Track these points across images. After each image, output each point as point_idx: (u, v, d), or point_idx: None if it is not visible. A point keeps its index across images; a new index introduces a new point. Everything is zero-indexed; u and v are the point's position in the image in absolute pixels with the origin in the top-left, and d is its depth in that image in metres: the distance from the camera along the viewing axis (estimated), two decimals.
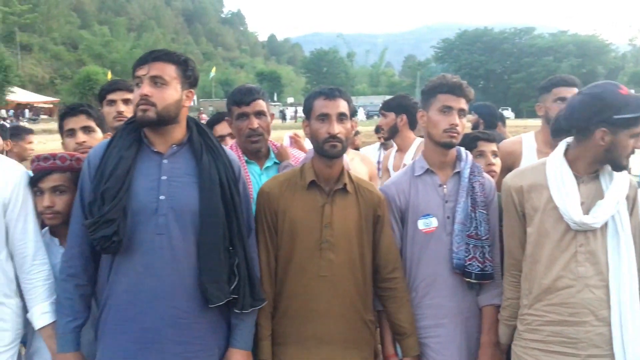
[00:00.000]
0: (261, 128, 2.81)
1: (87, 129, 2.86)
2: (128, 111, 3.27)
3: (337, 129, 2.43)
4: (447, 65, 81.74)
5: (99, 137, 2.88)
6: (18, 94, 51.32)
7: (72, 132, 2.85)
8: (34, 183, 2.50)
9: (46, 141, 28.80)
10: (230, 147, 2.86)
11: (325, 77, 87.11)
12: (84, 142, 2.82)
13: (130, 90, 3.26)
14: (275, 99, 77.05)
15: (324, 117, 2.44)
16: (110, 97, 3.29)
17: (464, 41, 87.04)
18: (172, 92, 2.25)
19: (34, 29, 77.67)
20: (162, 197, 2.21)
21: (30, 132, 5.57)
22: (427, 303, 2.67)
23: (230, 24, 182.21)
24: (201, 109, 54.54)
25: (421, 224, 2.68)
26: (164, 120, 2.25)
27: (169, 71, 2.25)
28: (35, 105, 57.93)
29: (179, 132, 2.33)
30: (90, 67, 65.12)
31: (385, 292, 2.61)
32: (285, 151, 2.97)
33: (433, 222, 2.67)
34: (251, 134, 2.79)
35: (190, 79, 2.33)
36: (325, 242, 2.46)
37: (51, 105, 60.16)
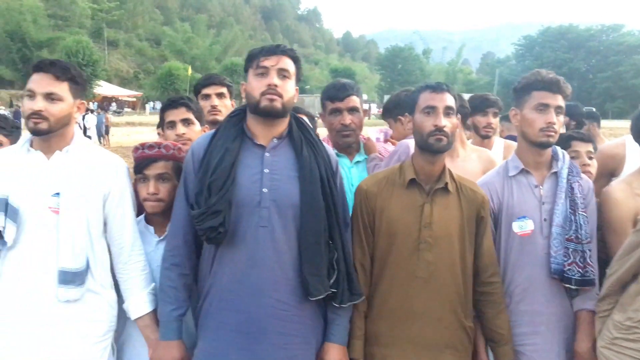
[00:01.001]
0: (353, 124, 2.82)
1: (186, 122, 2.91)
2: (222, 105, 3.33)
3: (444, 122, 2.36)
4: (528, 63, 79.07)
5: (197, 130, 2.93)
6: (104, 88, 53.89)
7: (172, 124, 2.91)
8: (139, 170, 2.58)
9: (130, 133, 30.17)
10: (323, 140, 2.85)
11: (400, 74, 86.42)
12: (183, 134, 2.87)
13: (225, 85, 3.32)
14: None
15: (430, 110, 2.39)
16: (205, 91, 3.34)
17: (546, 38, 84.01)
18: (293, 86, 2.31)
19: (120, 26, 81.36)
20: (264, 190, 2.23)
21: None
22: (523, 309, 2.56)
23: (307, 20, 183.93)
24: None
25: (516, 227, 2.56)
26: (285, 112, 2.29)
27: (291, 66, 2.30)
28: (120, 98, 60.68)
29: (283, 125, 2.34)
30: (171, 62, 67.40)
31: (483, 296, 2.50)
32: (373, 144, 2.96)
33: (529, 225, 2.55)
34: (343, 129, 2.79)
35: (299, 77, 2.37)
36: (423, 243, 2.39)
37: (134, 99, 62.86)
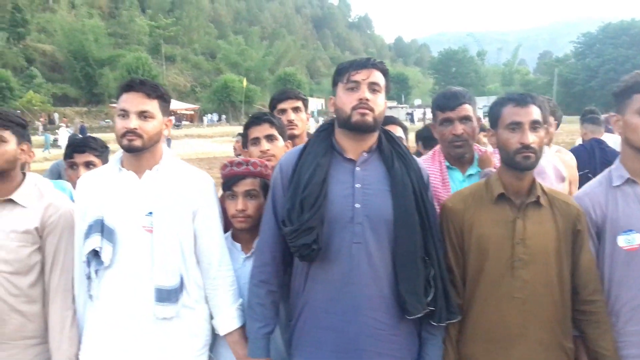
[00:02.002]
0: (466, 134, 2.69)
1: (270, 138, 2.89)
2: (298, 119, 3.30)
3: (531, 138, 2.23)
4: (589, 61, 76.49)
5: (281, 146, 2.91)
6: None
7: (256, 141, 2.90)
8: (228, 187, 2.58)
9: (190, 146, 30.89)
10: (434, 152, 2.78)
11: (454, 77, 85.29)
12: (267, 150, 2.85)
13: (300, 99, 3.29)
14: (403, 101, 76.50)
15: (515, 126, 2.26)
16: (281, 106, 3.32)
17: (607, 35, 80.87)
18: (383, 99, 2.26)
19: (177, 41, 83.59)
20: (357, 205, 2.17)
21: None
22: (631, 330, 2.37)
23: (358, 28, 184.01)
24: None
25: (622, 241, 2.38)
26: (376, 127, 2.24)
27: (382, 80, 2.25)
28: (178, 112, 62.36)
29: (373, 139, 2.29)
30: (227, 75, 68.90)
31: (584, 315, 2.35)
32: (489, 158, 2.78)
33: (636, 239, 2.36)
34: (455, 139, 2.67)
35: (389, 89, 2.31)
36: (518, 260, 2.26)
37: (192, 112, 64.37)
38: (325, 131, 2.32)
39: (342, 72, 2.23)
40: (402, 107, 68.88)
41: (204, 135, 40.86)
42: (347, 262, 2.15)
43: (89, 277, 2.34)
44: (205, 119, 61.04)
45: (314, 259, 2.14)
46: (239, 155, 7.31)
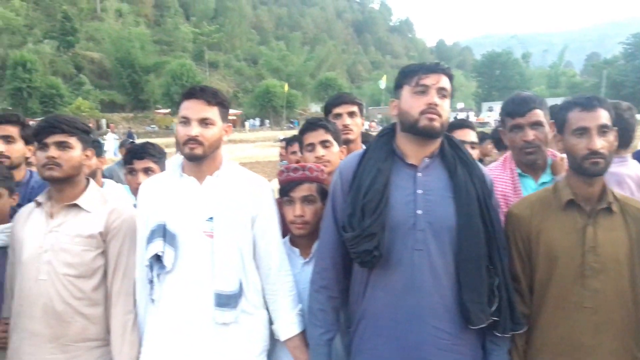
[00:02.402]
0: (537, 139, 2.61)
1: (325, 143, 2.87)
2: (353, 124, 3.27)
3: (599, 143, 2.15)
4: (639, 62, 74.04)
5: (336, 151, 2.90)
6: None
7: (311, 146, 2.89)
8: (285, 192, 2.58)
9: (233, 151, 31.26)
10: (504, 159, 2.71)
11: (498, 80, 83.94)
12: (322, 156, 2.83)
13: (355, 103, 3.27)
14: None
15: (582, 131, 2.19)
16: (337, 110, 3.30)
17: None
18: (449, 105, 2.21)
19: (220, 48, 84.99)
20: (419, 212, 2.13)
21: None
22: None
23: (399, 31, 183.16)
24: (374, 117, 55.24)
25: None
26: (442, 132, 2.20)
27: (449, 85, 2.20)
28: None
29: (436, 144, 2.24)
30: (268, 80, 69.48)
31: None
32: (561, 165, 2.68)
33: None
34: (526, 146, 2.60)
35: (453, 95, 2.27)
36: (589, 269, 2.18)
37: (234, 117, 65.17)
38: (386, 136, 2.29)
39: (410, 75, 2.18)
40: None
41: (245, 140, 41.26)
42: (409, 270, 2.11)
43: (151, 282, 2.38)
44: (247, 124, 61.71)
45: (375, 265, 2.11)
46: (283, 161, 7.36)
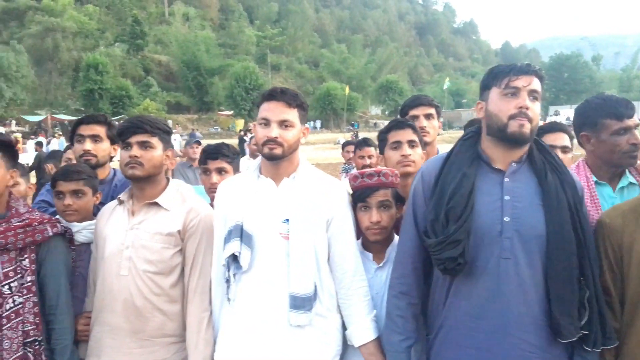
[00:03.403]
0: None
1: (412, 143, 2.84)
2: (430, 126, 3.23)
3: None
4: None
5: (420, 153, 2.86)
6: None
7: (397, 145, 2.84)
8: (361, 198, 2.56)
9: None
10: (578, 165, 2.62)
11: (566, 84, 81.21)
12: (409, 155, 2.80)
13: (433, 106, 3.22)
14: None
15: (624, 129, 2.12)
16: (413, 112, 3.26)
17: None
18: (540, 109, 2.14)
19: (282, 51, 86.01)
20: (506, 219, 2.06)
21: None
22: None
23: (462, 33, 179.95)
24: None
25: None
26: (531, 138, 2.12)
27: (540, 87, 2.12)
28: None
29: (524, 148, 2.16)
30: (329, 83, 69.66)
31: None
32: None
33: None
34: (632, 149, 2.49)
35: (542, 97, 2.20)
36: None
37: None
38: (471, 139, 2.23)
39: (500, 77, 2.11)
40: None
41: (305, 143, 41.42)
42: (494, 278, 2.04)
43: (227, 281, 2.41)
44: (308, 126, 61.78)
45: (459, 273, 2.06)
46: (346, 164, 7.30)
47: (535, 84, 2.08)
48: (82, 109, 48.98)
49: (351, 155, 7.06)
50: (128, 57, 62.44)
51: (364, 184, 2.57)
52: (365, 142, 5.69)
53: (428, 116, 3.24)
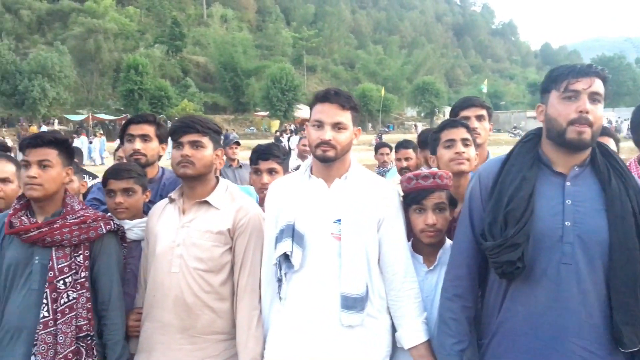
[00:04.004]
0: None
1: (465, 141, 2.80)
2: (481, 128, 3.19)
3: None
4: None
5: (473, 151, 2.82)
6: (303, 111, 57.24)
7: (451, 143, 2.80)
8: (417, 200, 2.54)
9: None
10: (630, 165, 2.56)
11: (609, 86, 78.99)
12: (463, 152, 2.76)
13: (484, 107, 3.19)
14: None
15: None
16: (464, 113, 3.23)
17: None
18: (602, 112, 2.07)
19: (318, 52, 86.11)
20: (567, 224, 2.02)
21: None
22: None
23: (501, 34, 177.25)
24: None
25: None
26: (592, 143, 2.07)
27: (602, 89, 2.05)
28: None
29: (587, 152, 2.11)
30: (365, 84, 69.43)
31: None
32: None
33: None
34: None
35: (606, 99, 2.13)
36: None
37: None
38: (531, 141, 2.18)
39: (559, 79, 2.05)
40: None
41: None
42: (554, 284, 2.00)
43: (279, 280, 2.42)
44: None
45: (516, 277, 2.02)
46: (380, 167, 7.16)
47: (597, 86, 2.01)
48: (122, 108, 49.96)
49: (385, 157, 6.96)
50: (167, 58, 63.37)
51: (419, 186, 2.54)
52: (403, 144, 5.59)
53: (479, 117, 3.20)
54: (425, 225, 2.50)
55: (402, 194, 2.62)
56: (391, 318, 2.47)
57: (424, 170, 2.73)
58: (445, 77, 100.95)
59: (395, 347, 2.49)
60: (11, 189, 2.97)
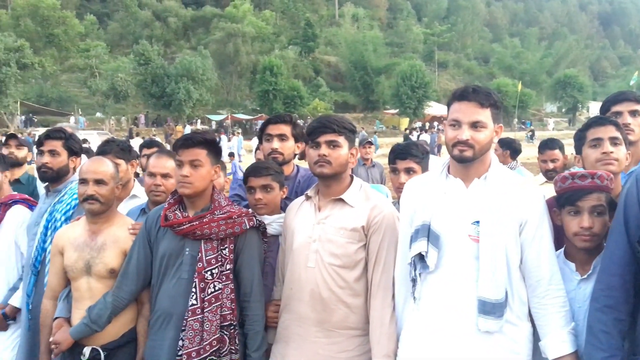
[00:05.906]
0: None
1: (615, 140, 2.61)
2: (635, 124, 2.94)
3: None
4: None
5: (624, 151, 2.63)
6: (434, 108, 56.18)
7: (598, 142, 2.63)
8: (571, 202, 2.40)
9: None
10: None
11: None
12: (611, 152, 2.57)
13: (639, 102, 2.93)
14: None
15: None
16: (617, 108, 2.99)
17: None
18: None
19: (450, 47, 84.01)
20: None
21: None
22: None
23: None
24: None
25: None
26: None
27: None
28: (444, 117, 62.22)
29: None
30: (500, 79, 66.73)
31: None
32: None
33: None
34: None
35: None
36: None
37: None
38: None
39: None
40: None
41: None
42: None
43: (413, 280, 2.41)
44: None
45: None
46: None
47: None
48: (258, 108, 52.27)
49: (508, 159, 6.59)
50: (300, 58, 65.18)
51: (575, 186, 2.39)
52: (547, 145, 5.23)
53: (633, 113, 2.94)
54: (579, 229, 2.35)
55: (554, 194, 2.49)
56: (533, 325, 2.36)
57: (581, 169, 2.57)
58: (589, 70, 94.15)
59: (536, 355, 2.37)
60: (171, 183, 3.21)
